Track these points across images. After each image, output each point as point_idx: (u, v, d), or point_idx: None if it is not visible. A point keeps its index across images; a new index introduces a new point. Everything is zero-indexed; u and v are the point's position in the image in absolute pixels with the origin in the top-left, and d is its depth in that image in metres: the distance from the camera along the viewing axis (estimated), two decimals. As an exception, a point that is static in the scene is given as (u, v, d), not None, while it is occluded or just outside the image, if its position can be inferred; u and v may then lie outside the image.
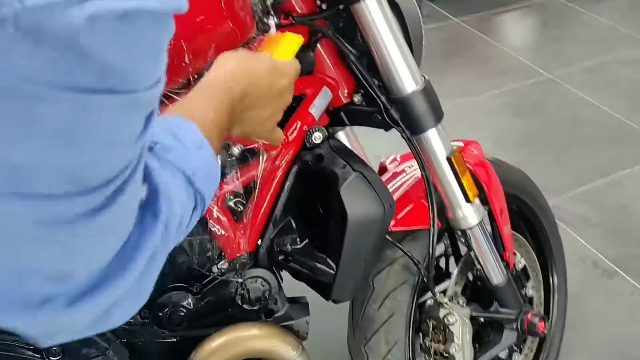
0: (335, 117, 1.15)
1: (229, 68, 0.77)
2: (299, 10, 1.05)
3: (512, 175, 1.42)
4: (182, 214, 0.58)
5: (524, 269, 1.45)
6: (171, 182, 0.58)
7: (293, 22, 1.03)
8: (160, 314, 1.04)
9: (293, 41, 0.90)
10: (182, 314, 1.05)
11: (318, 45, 1.09)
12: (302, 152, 1.03)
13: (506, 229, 1.30)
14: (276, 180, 1.02)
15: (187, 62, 0.88)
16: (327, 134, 1.03)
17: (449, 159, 1.13)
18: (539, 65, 3.01)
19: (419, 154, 1.09)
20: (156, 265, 0.55)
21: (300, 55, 1.07)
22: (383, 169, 1.32)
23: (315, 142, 1.02)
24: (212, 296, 1.06)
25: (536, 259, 1.49)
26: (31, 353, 0.87)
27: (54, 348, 0.91)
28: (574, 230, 2.10)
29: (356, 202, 0.96)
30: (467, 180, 1.16)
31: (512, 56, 3.13)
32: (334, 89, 1.11)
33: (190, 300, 1.05)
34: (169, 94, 0.87)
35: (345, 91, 1.12)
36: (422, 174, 1.10)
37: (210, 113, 0.69)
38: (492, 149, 2.03)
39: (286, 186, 1.02)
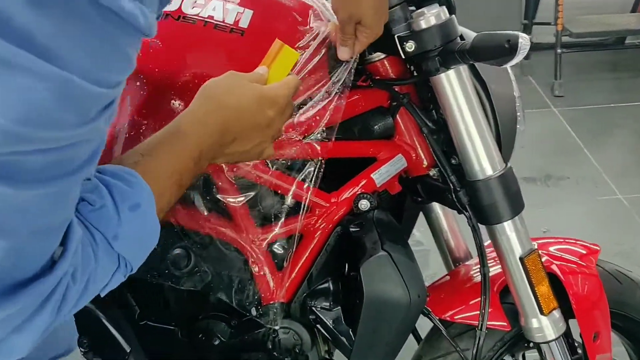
0: (413, 187, 1.09)
1: (209, 105, 0.75)
2: (383, 74, 1.02)
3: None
4: (96, 272, 0.59)
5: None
6: (86, 239, 0.58)
7: (371, 85, 1.01)
8: (196, 337, 1.10)
9: (289, 57, 0.85)
10: (215, 342, 1.09)
11: (398, 112, 1.04)
12: (348, 216, 1.00)
13: (602, 358, 1.10)
14: (317, 238, 1.01)
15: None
16: (375, 203, 0.99)
17: (522, 261, 1.00)
18: None
19: (481, 246, 0.99)
20: (51, 309, 0.55)
21: (379, 119, 1.05)
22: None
23: (361, 209, 0.99)
24: (245, 334, 1.09)
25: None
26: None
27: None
28: None
29: (376, 283, 0.91)
30: (543, 290, 1.01)
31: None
32: (412, 158, 1.06)
33: (225, 331, 1.09)
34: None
35: (425, 162, 1.06)
36: (480, 270, 0.99)
37: (171, 159, 0.68)
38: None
39: (327, 246, 1.01)
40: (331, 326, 1.01)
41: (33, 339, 0.56)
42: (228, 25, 0.90)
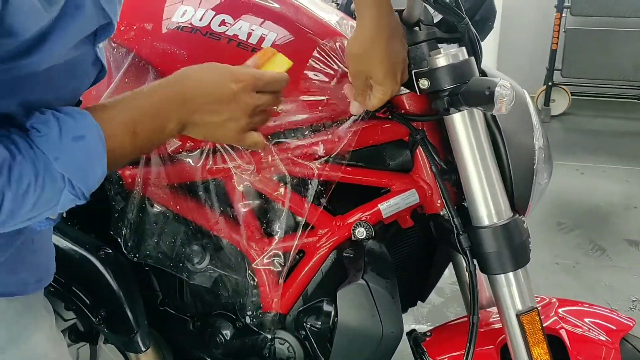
0: (427, 223, 1.08)
1: (175, 76, 0.80)
2: (405, 108, 1.03)
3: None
4: (29, 188, 0.66)
5: None
6: (26, 158, 0.65)
7: (390, 117, 1.02)
8: (205, 331, 1.17)
9: (282, 64, 0.87)
10: (220, 339, 1.15)
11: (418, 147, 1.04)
12: (346, 241, 1.02)
13: None
14: (316, 258, 1.04)
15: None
16: (372, 232, 0.99)
17: (518, 317, 0.96)
18: None
19: (474, 293, 0.96)
20: None
21: (397, 151, 1.06)
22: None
23: (357, 236, 1.00)
24: (246, 337, 1.14)
25: None
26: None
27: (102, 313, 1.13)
28: None
29: (350, 310, 0.92)
30: (538, 352, 0.96)
31: None
32: (426, 195, 1.05)
33: (229, 331, 1.15)
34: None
35: (439, 202, 1.05)
36: (470, 318, 0.96)
37: (127, 110, 0.75)
38: None
39: (323, 267, 1.03)
40: (315, 346, 1.03)
41: None
42: (250, 45, 0.96)
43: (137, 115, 0.76)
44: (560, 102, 4.50)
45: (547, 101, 4.43)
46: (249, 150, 0.99)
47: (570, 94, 4.49)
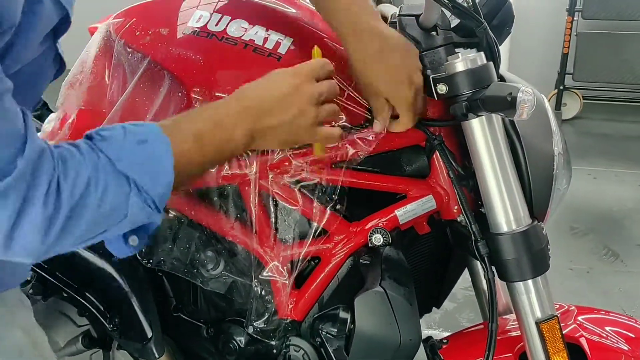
0: (444, 230, 1.07)
1: (242, 87, 0.82)
2: (425, 113, 1.02)
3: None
4: (90, 186, 0.66)
5: None
6: (86, 158, 0.67)
7: (407, 123, 1.01)
8: (218, 337, 1.16)
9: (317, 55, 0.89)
10: (233, 346, 1.15)
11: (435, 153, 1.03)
12: (362, 248, 1.01)
13: None
14: (332, 264, 1.03)
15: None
16: (389, 239, 0.98)
17: (537, 325, 0.94)
18: None
19: (493, 300, 0.95)
20: (40, 201, 0.63)
21: (414, 157, 1.05)
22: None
23: (374, 243, 0.99)
24: (260, 344, 1.13)
25: None
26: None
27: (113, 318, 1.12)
28: None
29: (368, 318, 0.91)
30: (558, 360, 0.94)
31: None
32: (443, 200, 1.04)
33: (243, 337, 1.14)
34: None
35: (456, 207, 1.04)
36: (488, 325, 0.95)
37: (191, 121, 0.77)
38: None
39: (339, 273, 1.02)
40: (332, 353, 1.02)
41: (38, 232, 0.64)
42: (267, 50, 0.96)
43: (201, 125, 0.77)
44: (572, 106, 4.48)
45: (559, 105, 4.40)
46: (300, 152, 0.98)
47: (582, 98, 4.46)
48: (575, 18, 4.18)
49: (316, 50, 0.89)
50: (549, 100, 4.36)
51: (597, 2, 4.09)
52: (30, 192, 0.63)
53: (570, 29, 4.20)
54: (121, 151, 0.69)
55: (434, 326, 2.31)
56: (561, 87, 4.36)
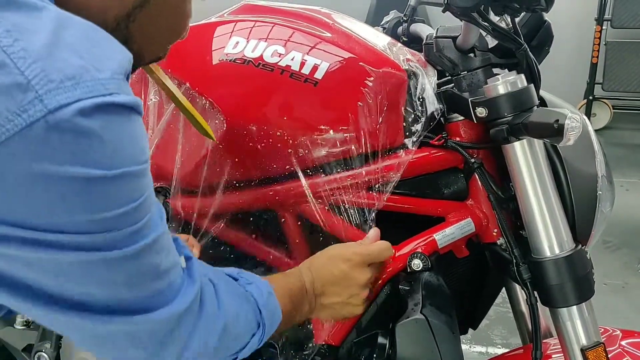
0: (481, 252, 1.06)
1: (310, 261, 0.91)
2: (461, 135, 1.01)
3: None
4: (233, 322, 0.72)
5: None
6: (235, 299, 0.74)
7: (445, 145, 1.00)
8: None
9: None
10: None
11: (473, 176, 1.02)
12: (401, 272, 0.99)
13: None
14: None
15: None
16: (428, 264, 0.97)
17: (583, 353, 0.92)
18: None
19: (537, 328, 0.93)
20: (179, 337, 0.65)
21: (452, 180, 1.04)
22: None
23: (413, 268, 0.98)
24: (297, 369, 1.12)
25: None
26: None
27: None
28: None
29: (409, 345, 0.90)
30: (605, 389, 0.92)
31: None
32: (482, 223, 1.02)
33: (282, 361, 1.13)
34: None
35: (495, 231, 1.02)
36: (532, 353, 0.93)
37: (284, 281, 0.86)
38: None
39: (378, 298, 1.01)
40: (371, 380, 1.01)
41: None
42: (303, 75, 0.95)
43: (290, 284, 0.86)
44: (602, 116, 4.42)
45: (588, 115, 4.35)
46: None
47: (611, 108, 4.40)
48: (604, 27, 4.14)
49: None
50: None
51: (626, 10, 4.04)
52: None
53: (599, 38, 4.16)
54: (262, 300, 0.78)
55: (465, 342, 2.28)
56: (590, 97, 4.30)
